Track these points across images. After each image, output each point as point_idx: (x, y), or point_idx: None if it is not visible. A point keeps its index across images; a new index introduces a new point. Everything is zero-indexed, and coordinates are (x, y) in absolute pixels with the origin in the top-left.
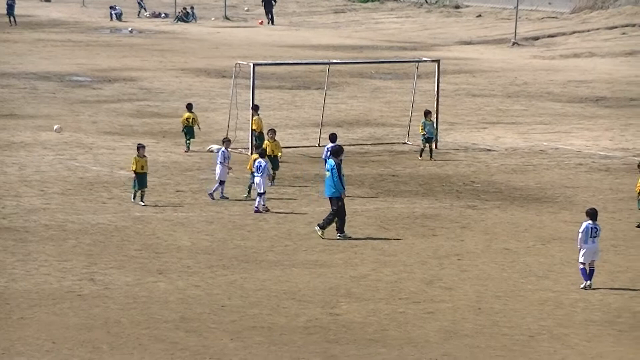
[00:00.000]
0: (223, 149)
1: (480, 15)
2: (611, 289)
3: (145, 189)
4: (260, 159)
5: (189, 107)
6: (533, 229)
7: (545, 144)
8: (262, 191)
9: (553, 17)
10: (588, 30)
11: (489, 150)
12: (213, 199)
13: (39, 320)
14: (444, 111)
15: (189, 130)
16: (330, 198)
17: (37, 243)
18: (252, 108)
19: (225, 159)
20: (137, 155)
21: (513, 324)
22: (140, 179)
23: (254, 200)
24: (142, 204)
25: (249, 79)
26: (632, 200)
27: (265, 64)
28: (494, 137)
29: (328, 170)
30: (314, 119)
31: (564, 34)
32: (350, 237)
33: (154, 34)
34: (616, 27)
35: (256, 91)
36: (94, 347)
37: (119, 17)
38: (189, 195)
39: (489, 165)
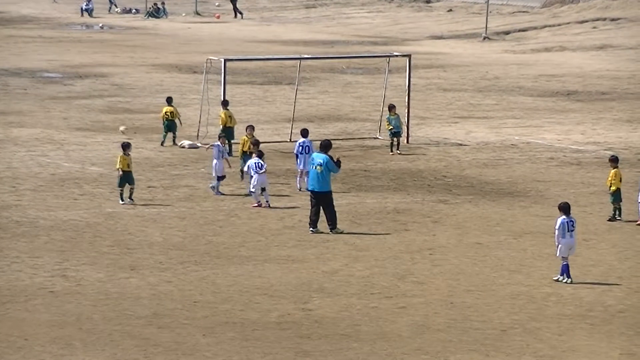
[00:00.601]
0: (218, 143)
1: (451, 10)
2: (583, 283)
3: (134, 186)
4: (258, 159)
5: (169, 100)
6: (505, 223)
7: (516, 138)
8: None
9: (524, 12)
10: (559, 25)
11: (461, 144)
12: (222, 194)
13: (11, 317)
14: (415, 106)
15: (170, 124)
16: (319, 193)
17: (8, 239)
18: (221, 103)
19: (221, 153)
20: (123, 154)
21: (485, 318)
22: (127, 177)
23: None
24: (130, 201)
25: (220, 74)
26: (603, 194)
27: (237, 60)
28: (465, 132)
29: (320, 165)
30: (286, 114)
31: (535, 28)
32: (321, 232)
33: (124, 30)
34: (587, 21)
35: (227, 87)
36: (66, 344)
37: (90, 13)
38: (161, 191)
39: (460, 159)
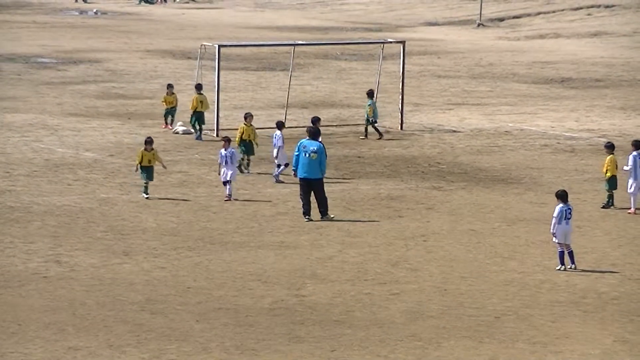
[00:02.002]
0: (232, 149)
1: None
2: (576, 270)
3: (149, 182)
4: (230, 148)
5: (199, 87)
6: (498, 210)
7: (510, 125)
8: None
9: None
10: (553, 11)
11: (454, 131)
12: (281, 182)
13: (4, 302)
14: (409, 92)
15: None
16: (312, 180)
17: (2, 225)
18: (195, 86)
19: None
20: (144, 150)
21: (479, 304)
22: (147, 172)
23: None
24: (145, 195)
25: (215, 60)
26: (597, 182)
27: (231, 45)
28: (459, 119)
29: (314, 152)
30: (280, 100)
31: (529, 15)
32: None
33: (119, 16)
34: (581, 8)
35: (221, 72)
36: (59, 329)
37: None
38: (155, 177)
39: (454, 146)
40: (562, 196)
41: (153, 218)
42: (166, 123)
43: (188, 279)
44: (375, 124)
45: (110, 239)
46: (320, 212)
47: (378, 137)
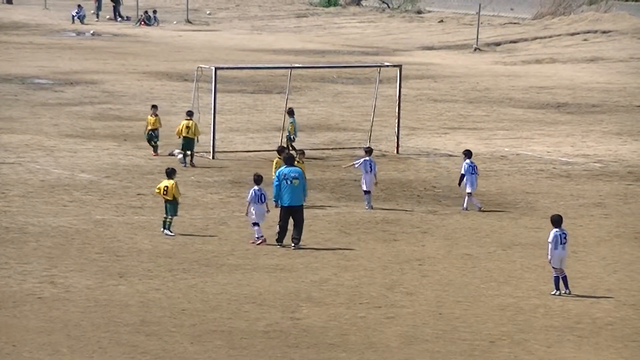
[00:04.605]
0: (260, 188)
1: (442, 21)
2: (571, 295)
3: (170, 217)
4: (258, 187)
5: (189, 114)
6: (494, 235)
7: (506, 149)
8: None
9: (515, 23)
10: (550, 36)
11: (450, 155)
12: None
13: None
14: (405, 116)
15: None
16: (296, 207)
17: None
18: (186, 113)
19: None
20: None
21: (473, 329)
22: (168, 205)
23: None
24: (167, 232)
25: (211, 82)
26: (593, 207)
27: (227, 68)
28: (455, 143)
29: (296, 178)
30: (276, 123)
31: (525, 39)
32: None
33: (116, 37)
34: (578, 34)
35: (218, 95)
36: (54, 350)
37: (81, 19)
38: (150, 199)
39: (450, 170)
40: (556, 221)
41: (148, 240)
42: (155, 150)
43: (183, 301)
44: (293, 142)
45: (105, 260)
46: (294, 239)
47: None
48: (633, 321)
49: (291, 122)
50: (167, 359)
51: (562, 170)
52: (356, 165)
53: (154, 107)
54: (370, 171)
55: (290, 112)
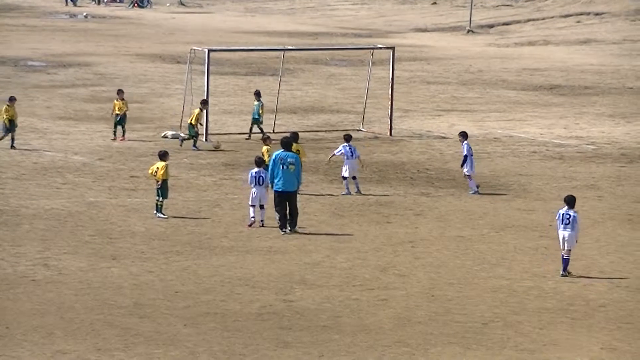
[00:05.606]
0: (262, 170)
1: (435, 3)
2: (565, 277)
3: (162, 199)
4: (259, 169)
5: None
6: (487, 217)
7: (499, 131)
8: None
9: (508, 5)
10: (543, 18)
11: (443, 137)
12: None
13: None
14: (398, 98)
15: (120, 119)
16: (291, 192)
17: None
18: (9, 99)
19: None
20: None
21: (466, 311)
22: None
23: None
24: (159, 214)
25: (204, 64)
26: (586, 189)
27: (220, 50)
28: (448, 125)
29: (292, 164)
30: (269, 105)
31: (518, 21)
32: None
33: (109, 19)
34: (571, 15)
35: (211, 77)
36: (47, 333)
37: (74, 2)
38: (143, 181)
39: (443, 152)
40: (567, 201)
41: (141, 222)
42: (115, 135)
43: (176, 284)
44: (260, 124)
45: (98, 242)
46: (290, 223)
47: (248, 137)
48: (626, 303)
49: (260, 105)
50: (161, 341)
51: (555, 152)
52: (337, 154)
53: (120, 91)
54: (352, 156)
55: (258, 94)
